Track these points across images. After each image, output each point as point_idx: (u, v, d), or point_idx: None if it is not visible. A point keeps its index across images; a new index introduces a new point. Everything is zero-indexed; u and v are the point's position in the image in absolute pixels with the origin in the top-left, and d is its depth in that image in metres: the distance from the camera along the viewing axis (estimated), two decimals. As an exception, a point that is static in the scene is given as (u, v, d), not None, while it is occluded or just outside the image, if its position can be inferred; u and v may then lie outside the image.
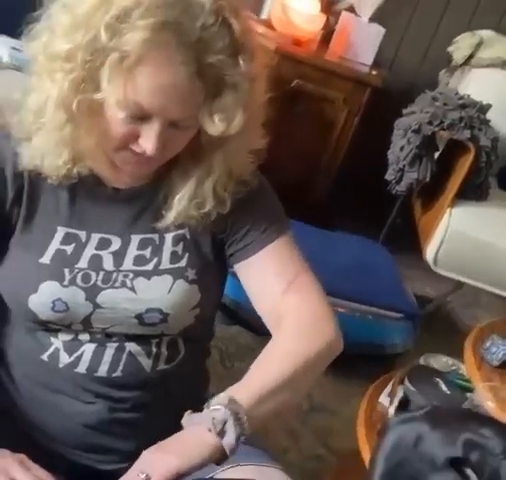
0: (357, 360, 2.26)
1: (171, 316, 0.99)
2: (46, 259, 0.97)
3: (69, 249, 0.98)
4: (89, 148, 0.93)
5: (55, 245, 0.98)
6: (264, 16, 2.92)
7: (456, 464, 0.83)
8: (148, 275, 0.99)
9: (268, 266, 1.02)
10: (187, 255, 1.01)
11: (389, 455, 0.86)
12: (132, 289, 0.98)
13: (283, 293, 1.00)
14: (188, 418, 0.87)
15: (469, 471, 0.83)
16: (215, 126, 0.90)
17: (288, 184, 2.76)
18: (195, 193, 0.98)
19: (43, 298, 0.96)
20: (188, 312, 1.01)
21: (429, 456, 0.85)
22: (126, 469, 1.02)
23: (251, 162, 1.02)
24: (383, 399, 1.58)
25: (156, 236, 1.01)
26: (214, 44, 0.85)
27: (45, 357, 0.99)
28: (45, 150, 0.93)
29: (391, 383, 1.49)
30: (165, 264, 1.00)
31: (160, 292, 0.98)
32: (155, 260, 1.00)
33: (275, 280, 1.01)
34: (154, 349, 1.01)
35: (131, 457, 1.01)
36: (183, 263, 1.00)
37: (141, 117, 0.88)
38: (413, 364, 1.51)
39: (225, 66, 0.87)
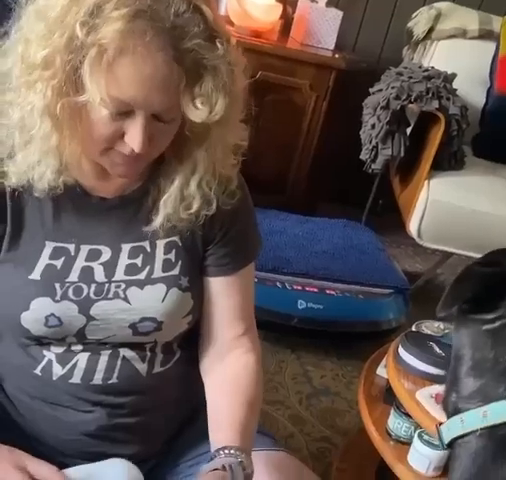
0: (355, 341, 2.27)
1: (165, 324, 0.99)
2: (36, 275, 0.96)
3: (59, 263, 0.97)
4: (75, 155, 0.92)
5: (44, 261, 0.97)
6: (221, 12, 2.92)
7: None
8: (141, 284, 0.98)
9: (234, 294, 1.06)
10: (180, 263, 1.00)
11: None
12: (125, 299, 0.97)
13: (239, 336, 1.07)
14: (206, 466, 0.93)
15: None
16: (198, 112, 0.88)
17: (266, 175, 2.77)
18: (181, 193, 0.97)
19: (35, 315, 0.95)
20: (181, 319, 1.01)
21: None
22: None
23: (234, 164, 1.01)
24: (380, 371, 1.58)
25: (147, 243, 1.00)
26: (189, 29, 0.85)
27: (38, 371, 0.99)
28: (34, 163, 0.92)
29: (386, 355, 1.49)
30: (158, 273, 0.99)
31: (154, 301, 0.98)
32: (147, 268, 0.99)
33: (235, 318, 1.06)
34: (148, 353, 1.01)
35: (133, 461, 1.02)
36: (176, 271, 1.00)
37: (124, 112, 0.87)
38: (405, 332, 1.52)
39: (203, 50, 0.86)
